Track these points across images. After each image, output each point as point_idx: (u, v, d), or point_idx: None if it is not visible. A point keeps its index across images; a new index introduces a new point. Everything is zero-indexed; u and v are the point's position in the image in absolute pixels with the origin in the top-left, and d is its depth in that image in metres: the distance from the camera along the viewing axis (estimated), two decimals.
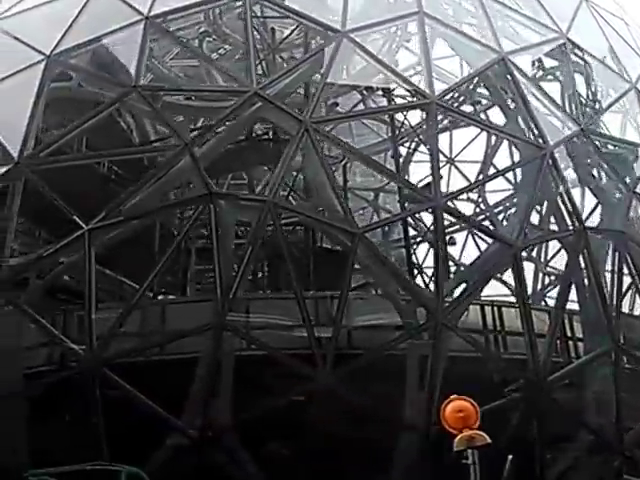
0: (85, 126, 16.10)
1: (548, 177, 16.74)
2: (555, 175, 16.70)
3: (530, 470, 15.83)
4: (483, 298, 17.31)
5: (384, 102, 22.31)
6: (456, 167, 26.57)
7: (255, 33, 21.54)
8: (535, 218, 17.04)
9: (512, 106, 17.71)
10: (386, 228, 24.95)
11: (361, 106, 24.38)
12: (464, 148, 26.62)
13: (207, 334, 15.27)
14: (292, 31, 24.82)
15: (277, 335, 15.59)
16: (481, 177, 24.45)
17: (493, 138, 24.06)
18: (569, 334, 17.50)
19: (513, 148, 22.03)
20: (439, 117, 19.16)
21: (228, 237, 15.84)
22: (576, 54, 19.07)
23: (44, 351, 16.34)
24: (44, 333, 15.63)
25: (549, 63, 20.98)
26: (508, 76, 17.19)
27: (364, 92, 23.75)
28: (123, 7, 17.29)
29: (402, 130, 23.03)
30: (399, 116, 22.43)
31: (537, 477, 15.89)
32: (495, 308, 17.15)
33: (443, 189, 18.13)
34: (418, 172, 24.21)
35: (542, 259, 22.20)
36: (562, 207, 16.79)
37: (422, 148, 24.25)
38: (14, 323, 15.21)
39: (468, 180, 21.52)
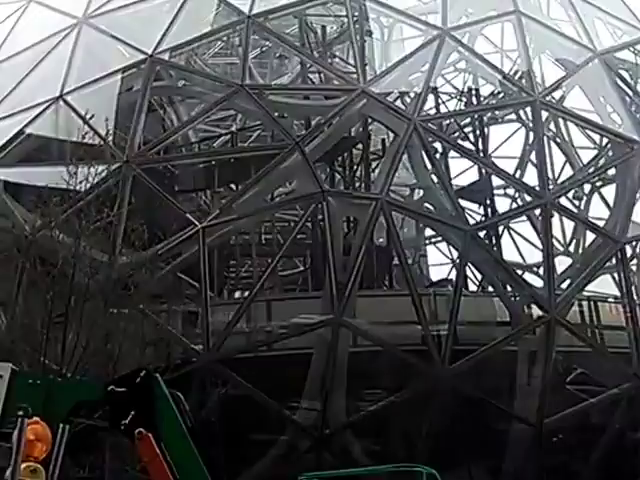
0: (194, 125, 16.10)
1: None
2: None
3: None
4: None
5: None
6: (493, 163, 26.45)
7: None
8: None
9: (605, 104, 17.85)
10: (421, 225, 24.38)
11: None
12: (502, 144, 26.66)
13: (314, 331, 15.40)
14: (344, 31, 24.89)
15: (387, 332, 15.66)
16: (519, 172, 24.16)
17: (531, 135, 24.06)
18: None
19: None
20: None
21: (338, 235, 15.86)
22: None
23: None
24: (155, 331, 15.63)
25: None
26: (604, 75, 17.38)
27: None
28: (222, 6, 17.36)
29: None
30: None
31: None
32: (592, 303, 17.37)
33: None
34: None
35: None
36: None
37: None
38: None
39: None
